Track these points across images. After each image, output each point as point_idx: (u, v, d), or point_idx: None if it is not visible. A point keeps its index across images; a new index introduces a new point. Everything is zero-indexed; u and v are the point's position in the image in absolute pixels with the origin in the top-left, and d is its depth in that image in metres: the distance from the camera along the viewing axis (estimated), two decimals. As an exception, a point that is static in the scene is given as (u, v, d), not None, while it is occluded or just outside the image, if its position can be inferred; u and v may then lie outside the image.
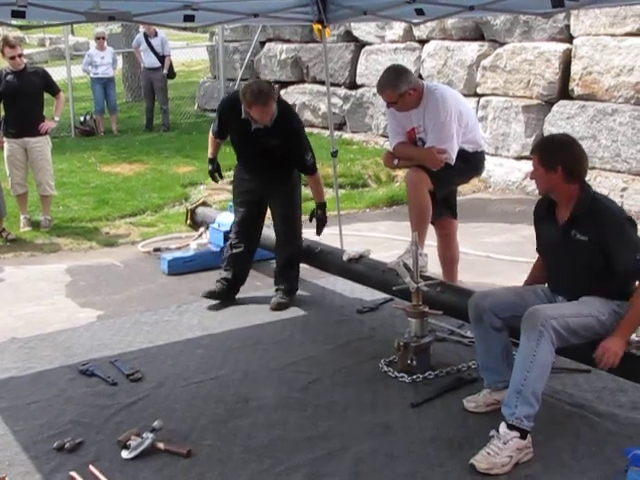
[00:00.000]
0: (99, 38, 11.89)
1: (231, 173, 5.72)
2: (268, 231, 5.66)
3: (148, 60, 11.82)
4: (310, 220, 5.08)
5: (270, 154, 4.73)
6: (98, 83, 11.81)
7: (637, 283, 3.20)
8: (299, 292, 5.20)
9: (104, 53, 11.82)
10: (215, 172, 5.29)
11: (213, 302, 5.01)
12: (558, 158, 3.20)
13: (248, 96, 4.47)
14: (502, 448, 2.99)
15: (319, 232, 5.03)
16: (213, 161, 5.29)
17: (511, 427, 3.03)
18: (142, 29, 12.17)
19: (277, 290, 5.02)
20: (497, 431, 3.05)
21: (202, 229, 6.27)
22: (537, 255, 3.61)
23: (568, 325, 3.08)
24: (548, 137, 3.51)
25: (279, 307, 4.89)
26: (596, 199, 3.26)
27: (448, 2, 4.40)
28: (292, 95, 11.50)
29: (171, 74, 12.07)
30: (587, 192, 3.25)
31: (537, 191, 3.41)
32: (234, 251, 5.04)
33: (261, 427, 3.40)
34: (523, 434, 3.02)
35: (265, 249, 5.61)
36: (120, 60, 13.62)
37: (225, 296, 5.00)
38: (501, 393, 3.38)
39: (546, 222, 3.39)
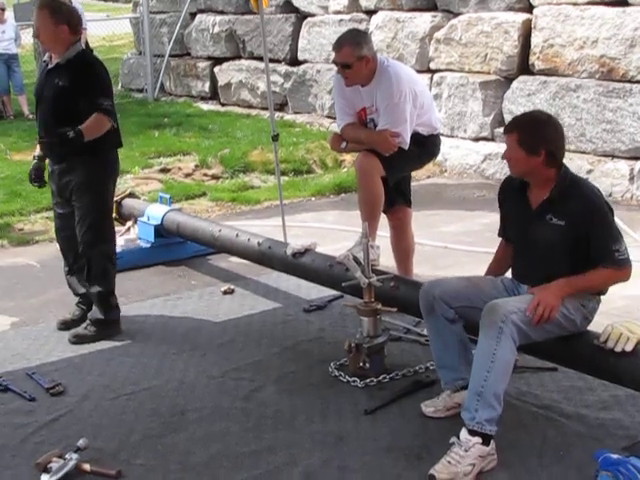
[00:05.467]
0: None
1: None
2: (197, 222, 5.65)
3: (62, 33, 11.61)
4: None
5: (58, 103, 4.28)
6: None
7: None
8: (239, 290, 5.20)
9: (4, 27, 11.58)
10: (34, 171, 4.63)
11: (144, 304, 4.97)
12: (542, 141, 3.21)
13: None
14: (463, 456, 3.03)
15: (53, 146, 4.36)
16: (37, 159, 4.63)
17: (473, 433, 3.07)
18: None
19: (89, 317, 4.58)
20: (458, 438, 3.10)
21: (129, 223, 6.20)
22: (498, 241, 3.67)
23: (529, 319, 3.13)
24: (528, 115, 3.46)
25: (75, 339, 4.44)
26: (575, 182, 3.30)
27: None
28: (227, 72, 11.44)
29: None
30: (566, 174, 3.29)
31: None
32: (66, 273, 4.74)
33: (200, 441, 3.38)
34: (486, 440, 3.07)
35: (197, 242, 5.61)
36: (30, 33, 13.32)
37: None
38: (462, 395, 3.43)
39: (515, 204, 3.41)
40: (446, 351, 3.47)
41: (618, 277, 3.25)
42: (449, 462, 3.04)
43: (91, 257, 4.46)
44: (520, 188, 3.39)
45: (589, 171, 7.44)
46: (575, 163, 7.54)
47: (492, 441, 3.10)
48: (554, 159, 3.25)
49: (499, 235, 3.66)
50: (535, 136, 3.22)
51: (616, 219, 3.33)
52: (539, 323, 3.13)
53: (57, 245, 5.85)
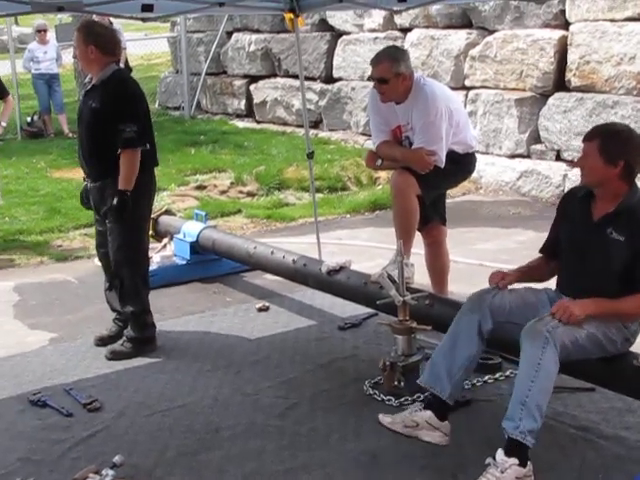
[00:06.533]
0: (40, 31, 11.88)
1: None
2: (233, 239, 5.67)
3: (101, 53, 11.81)
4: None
5: (92, 125, 4.34)
6: (41, 80, 11.78)
7: None
8: (274, 308, 5.20)
9: (46, 47, 11.80)
10: (86, 195, 4.67)
11: (179, 320, 5.00)
12: (623, 152, 3.17)
13: None
14: (499, 477, 2.99)
15: (111, 219, 4.42)
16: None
17: (509, 453, 3.03)
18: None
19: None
20: (494, 458, 3.06)
21: (166, 240, 6.25)
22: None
23: (574, 337, 3.10)
24: (611, 124, 3.46)
25: (111, 356, 4.47)
26: None
27: (432, -13, 4.43)
28: (263, 90, 11.51)
29: (127, 69, 12.04)
30: (636, 191, 3.25)
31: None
32: (105, 289, 4.77)
33: (234, 459, 3.38)
34: (523, 461, 3.03)
35: (232, 259, 5.63)
36: (71, 53, 13.55)
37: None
38: (422, 415, 3.40)
39: (576, 213, 3.37)
40: (449, 358, 3.40)
41: None
42: (484, 483, 3.00)
43: (123, 277, 4.49)
44: (584, 198, 3.35)
45: (627, 188, 7.34)
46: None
47: (529, 463, 3.05)
48: (630, 173, 3.21)
49: (540, 251, 3.61)
50: (617, 146, 3.18)
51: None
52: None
53: (95, 262, 5.94)
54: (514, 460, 3.02)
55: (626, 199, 3.22)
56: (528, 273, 3.59)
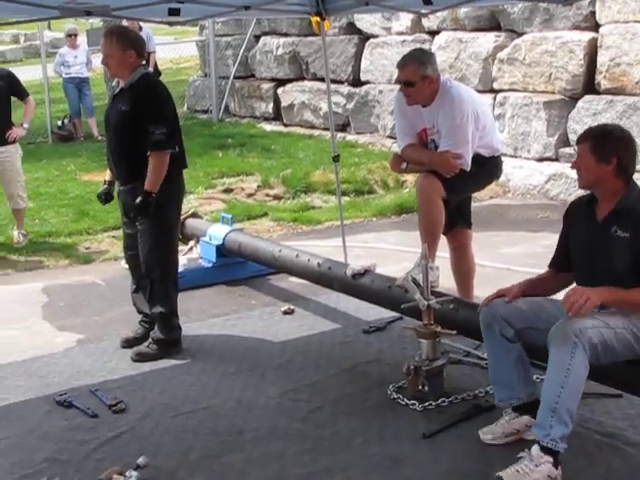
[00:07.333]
0: (70, 35, 12.02)
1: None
2: (258, 242, 5.69)
3: (131, 57, 11.91)
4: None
5: (122, 128, 4.40)
6: (71, 84, 11.93)
7: None
8: (299, 311, 5.20)
9: (77, 52, 11.95)
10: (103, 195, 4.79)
11: (204, 323, 5.03)
12: (614, 149, 3.21)
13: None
14: (533, 470, 3.00)
15: (132, 219, 4.50)
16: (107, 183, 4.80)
17: (545, 450, 3.03)
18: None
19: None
20: (529, 451, 3.06)
21: (192, 243, 6.29)
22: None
23: (603, 338, 3.07)
24: (602, 125, 3.57)
25: (137, 357, 4.50)
26: None
27: (458, -10, 4.42)
28: (290, 94, 11.54)
29: (156, 72, 12.13)
30: (634, 188, 3.27)
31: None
32: (132, 291, 4.82)
33: (257, 462, 3.39)
34: (556, 461, 3.03)
35: (258, 262, 5.64)
36: (101, 58, 13.71)
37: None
38: (521, 421, 3.38)
39: (583, 220, 3.38)
40: (502, 368, 3.43)
41: None
42: (518, 471, 3.02)
43: (153, 278, 4.52)
44: (587, 204, 3.37)
45: (657, 192, 7.25)
46: (643, 184, 7.37)
47: (560, 467, 3.05)
48: (624, 171, 3.23)
49: (549, 265, 3.58)
50: (608, 144, 3.22)
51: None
52: (572, 311, 3.05)
53: (122, 264, 5.99)
54: (549, 458, 3.03)
55: (624, 197, 3.23)
56: (534, 285, 3.55)
